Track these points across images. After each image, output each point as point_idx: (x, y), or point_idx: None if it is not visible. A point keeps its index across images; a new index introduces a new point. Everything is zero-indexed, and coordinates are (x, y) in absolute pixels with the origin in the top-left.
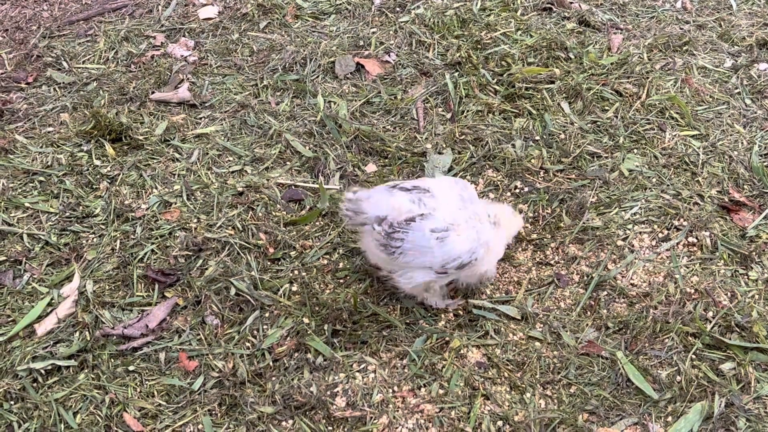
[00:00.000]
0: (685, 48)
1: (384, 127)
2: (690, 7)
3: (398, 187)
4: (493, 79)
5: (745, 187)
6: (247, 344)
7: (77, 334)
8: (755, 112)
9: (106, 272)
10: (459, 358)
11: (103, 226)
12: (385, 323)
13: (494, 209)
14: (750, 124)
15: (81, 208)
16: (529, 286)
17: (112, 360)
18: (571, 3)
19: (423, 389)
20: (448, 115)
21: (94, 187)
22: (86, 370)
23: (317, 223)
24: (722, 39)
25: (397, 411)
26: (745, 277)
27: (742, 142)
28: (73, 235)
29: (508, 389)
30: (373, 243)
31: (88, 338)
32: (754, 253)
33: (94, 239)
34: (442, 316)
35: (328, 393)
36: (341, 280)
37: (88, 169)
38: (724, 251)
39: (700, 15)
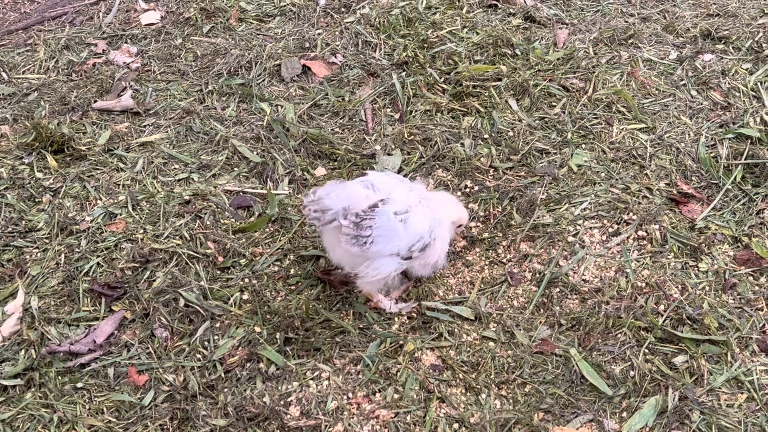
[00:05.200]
0: (630, 41)
1: (332, 130)
2: None
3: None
4: (440, 78)
5: (693, 178)
6: (198, 356)
7: (23, 352)
8: (701, 103)
9: (51, 287)
10: (413, 361)
11: (47, 240)
12: (338, 329)
13: (436, 196)
14: (696, 116)
15: (23, 222)
16: (482, 286)
17: (60, 377)
18: None
19: (378, 395)
20: (397, 116)
21: (37, 200)
22: (33, 389)
23: (267, 230)
24: (667, 31)
25: (353, 418)
26: (696, 268)
27: (688, 134)
28: (16, 250)
29: (463, 391)
30: (342, 239)
31: (34, 356)
32: (703, 245)
33: (38, 254)
34: (396, 319)
35: (282, 403)
36: (293, 287)
37: (30, 183)
38: (673, 244)
39: (645, 7)
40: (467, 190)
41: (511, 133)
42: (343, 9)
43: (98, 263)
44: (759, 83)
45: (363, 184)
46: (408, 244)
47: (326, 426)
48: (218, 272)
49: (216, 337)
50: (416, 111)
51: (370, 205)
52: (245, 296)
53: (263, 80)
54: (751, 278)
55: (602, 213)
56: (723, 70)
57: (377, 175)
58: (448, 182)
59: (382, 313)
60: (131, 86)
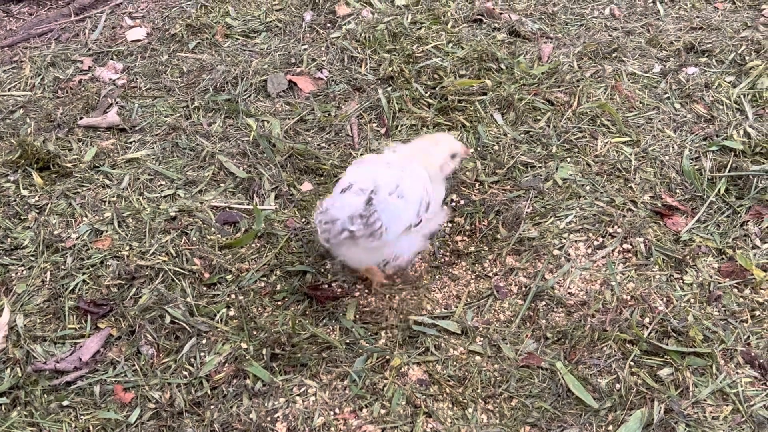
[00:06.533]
0: (614, 55)
1: (318, 145)
2: (618, 13)
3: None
4: (426, 93)
5: (678, 191)
6: (184, 373)
7: (8, 370)
8: (685, 116)
9: (36, 305)
10: (400, 376)
11: (33, 258)
12: (325, 344)
13: (409, 152)
14: (680, 129)
15: (9, 240)
16: (469, 300)
17: (46, 396)
18: (501, 14)
19: (365, 410)
20: (383, 131)
21: (22, 217)
22: (19, 408)
23: (253, 246)
24: (650, 44)
25: None
26: (680, 281)
27: (672, 147)
28: (2, 268)
29: (450, 405)
30: (360, 242)
31: (20, 374)
32: (688, 257)
33: (24, 272)
34: (382, 334)
35: (269, 419)
36: (279, 303)
37: (15, 200)
38: (658, 256)
39: (629, 21)
40: (453, 204)
41: (496, 147)
42: (328, 24)
43: (84, 280)
44: (742, 96)
45: (355, 193)
46: (414, 212)
47: None
48: (204, 288)
49: (202, 354)
50: (402, 126)
51: (365, 201)
52: (231, 312)
53: (249, 96)
54: (735, 290)
55: (587, 226)
56: (706, 83)
57: (354, 171)
58: None
59: (368, 328)
60: (117, 103)
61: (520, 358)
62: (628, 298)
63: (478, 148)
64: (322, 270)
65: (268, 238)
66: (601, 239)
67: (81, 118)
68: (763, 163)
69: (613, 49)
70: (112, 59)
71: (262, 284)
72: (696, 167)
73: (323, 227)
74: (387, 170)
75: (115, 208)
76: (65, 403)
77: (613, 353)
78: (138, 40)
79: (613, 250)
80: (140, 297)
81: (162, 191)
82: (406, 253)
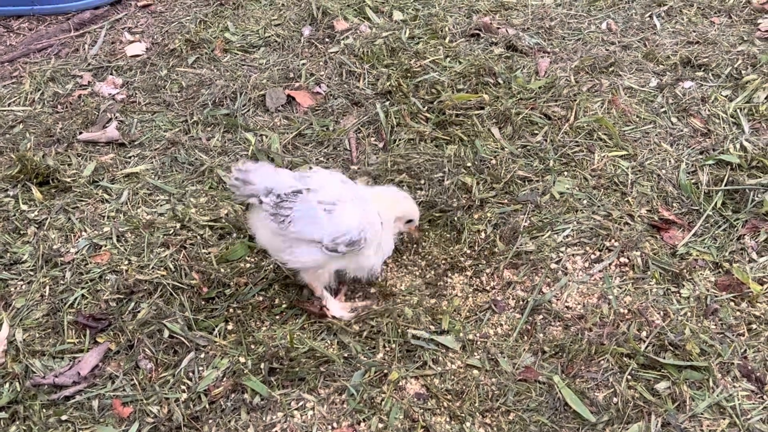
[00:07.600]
0: (611, 69)
1: (317, 159)
2: (615, 28)
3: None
4: (423, 107)
5: (674, 205)
6: (183, 387)
7: (7, 385)
8: (681, 130)
9: (35, 320)
10: (398, 390)
11: (32, 273)
12: (323, 358)
13: (377, 191)
14: (677, 142)
15: (8, 255)
16: (467, 314)
17: (44, 410)
18: (498, 28)
19: (362, 424)
20: (381, 145)
21: (22, 232)
22: (17, 422)
23: (252, 259)
24: (647, 59)
25: None
26: (677, 295)
27: (669, 161)
28: (1, 282)
29: (447, 419)
30: (263, 216)
31: (19, 389)
32: (684, 271)
33: (23, 286)
34: (380, 348)
35: None
36: (277, 317)
37: (14, 215)
38: (655, 270)
39: (625, 36)
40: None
41: (493, 161)
42: (327, 39)
43: (83, 295)
44: (738, 110)
45: (293, 175)
46: (332, 234)
47: None
48: (203, 303)
49: (200, 368)
50: (400, 140)
51: (294, 189)
52: (230, 326)
53: (248, 110)
54: (732, 304)
55: (584, 240)
56: (703, 97)
57: (321, 171)
58: None
59: (367, 342)
60: (116, 117)
61: (517, 372)
62: (625, 311)
63: (476, 162)
64: None
65: (265, 252)
66: (598, 253)
67: (80, 133)
68: (760, 177)
69: (609, 64)
70: (111, 74)
71: (261, 298)
72: (692, 181)
73: (234, 182)
74: (339, 187)
75: (113, 223)
76: (64, 417)
77: (610, 367)
78: (137, 55)
79: (610, 264)
80: (139, 311)
81: (161, 205)
82: (292, 262)
